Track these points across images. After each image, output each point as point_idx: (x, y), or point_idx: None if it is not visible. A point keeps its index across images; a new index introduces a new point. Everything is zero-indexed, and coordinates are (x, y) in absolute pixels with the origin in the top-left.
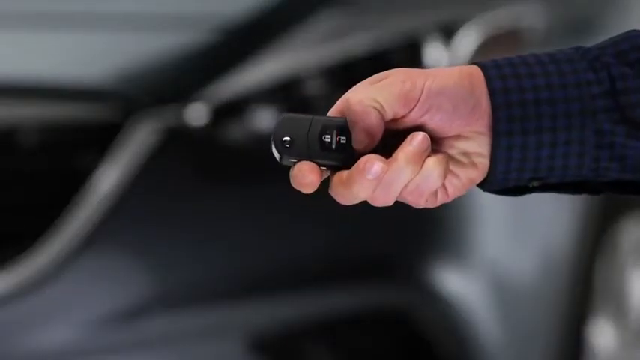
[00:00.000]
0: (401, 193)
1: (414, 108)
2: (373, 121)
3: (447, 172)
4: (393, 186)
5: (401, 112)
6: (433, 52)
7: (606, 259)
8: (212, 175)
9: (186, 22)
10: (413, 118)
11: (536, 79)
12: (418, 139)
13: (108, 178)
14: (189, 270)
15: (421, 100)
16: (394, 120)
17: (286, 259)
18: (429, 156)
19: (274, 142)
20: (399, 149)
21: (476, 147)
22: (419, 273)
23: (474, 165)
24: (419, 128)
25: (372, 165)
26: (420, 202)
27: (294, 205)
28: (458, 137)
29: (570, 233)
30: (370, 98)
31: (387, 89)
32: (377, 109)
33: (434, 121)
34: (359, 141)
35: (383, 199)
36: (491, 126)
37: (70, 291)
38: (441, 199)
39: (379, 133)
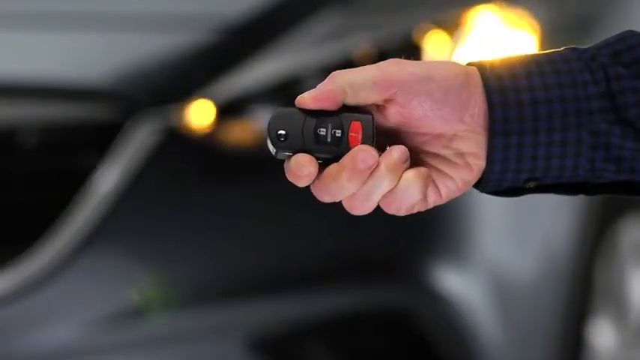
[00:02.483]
0: (380, 202)
1: (399, 90)
2: (328, 86)
3: (427, 185)
4: (371, 194)
5: (384, 93)
6: (433, 51)
7: (606, 259)
8: (212, 175)
9: (186, 22)
10: (401, 102)
11: (532, 79)
12: (399, 150)
13: (108, 178)
14: (189, 270)
15: (408, 83)
16: (384, 107)
17: (287, 259)
18: (411, 168)
19: (269, 135)
20: (380, 158)
21: (471, 147)
22: (419, 273)
23: (468, 166)
24: (410, 115)
25: (365, 154)
26: (399, 212)
27: (294, 205)
28: (453, 137)
29: (570, 233)
30: (345, 78)
31: (372, 70)
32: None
33: (423, 108)
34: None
35: (361, 207)
36: (487, 126)
37: (70, 291)
38: (433, 202)
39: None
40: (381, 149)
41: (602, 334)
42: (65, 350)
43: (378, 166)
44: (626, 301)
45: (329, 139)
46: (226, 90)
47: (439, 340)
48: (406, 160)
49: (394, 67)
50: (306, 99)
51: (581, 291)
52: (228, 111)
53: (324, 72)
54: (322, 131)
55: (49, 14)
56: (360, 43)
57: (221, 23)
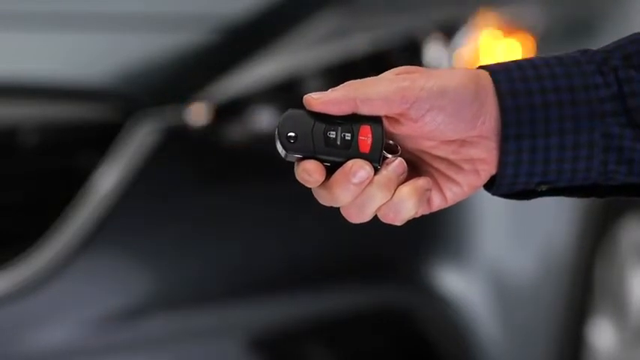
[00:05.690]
0: (377, 212)
1: (412, 106)
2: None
3: (423, 200)
4: (365, 207)
5: (396, 109)
6: (433, 52)
7: (606, 259)
8: (212, 175)
9: (186, 22)
10: (413, 117)
11: (544, 82)
12: (393, 164)
13: (108, 178)
14: (189, 270)
15: (421, 98)
16: (396, 120)
17: (286, 259)
18: (407, 181)
19: (279, 137)
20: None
21: (480, 153)
22: (419, 273)
23: (476, 172)
24: (421, 129)
25: (359, 169)
26: (395, 222)
27: (294, 205)
28: (463, 143)
29: (570, 233)
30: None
31: (385, 84)
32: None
33: (436, 122)
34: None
35: (357, 217)
36: (497, 130)
37: (70, 291)
38: (438, 206)
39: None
40: (390, 152)
41: (602, 334)
42: (65, 350)
43: (371, 181)
44: (626, 301)
45: (339, 142)
46: (226, 90)
47: (439, 340)
48: (402, 174)
49: (407, 82)
50: (314, 101)
51: (581, 291)
52: (228, 111)
53: (324, 72)
54: (332, 134)
55: (49, 14)
56: (360, 43)
57: (221, 23)
